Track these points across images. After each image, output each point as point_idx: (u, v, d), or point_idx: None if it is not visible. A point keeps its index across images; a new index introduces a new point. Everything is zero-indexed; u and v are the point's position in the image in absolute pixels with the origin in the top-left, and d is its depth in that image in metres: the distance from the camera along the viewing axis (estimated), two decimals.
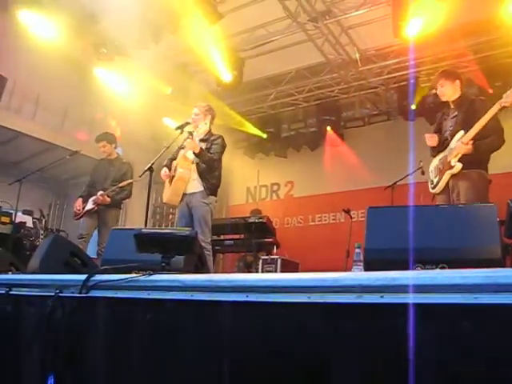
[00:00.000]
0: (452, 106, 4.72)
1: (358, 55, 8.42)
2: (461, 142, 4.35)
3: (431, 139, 4.74)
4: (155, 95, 9.09)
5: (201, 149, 5.18)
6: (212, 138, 5.41)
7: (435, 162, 4.77)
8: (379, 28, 7.36)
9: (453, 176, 4.46)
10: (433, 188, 4.71)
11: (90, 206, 6.47)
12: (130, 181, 6.49)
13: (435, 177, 4.69)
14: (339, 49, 8.20)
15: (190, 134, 5.26)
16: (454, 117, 4.65)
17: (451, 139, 4.55)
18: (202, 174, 5.24)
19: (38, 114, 9.12)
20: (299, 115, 10.61)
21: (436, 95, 8.93)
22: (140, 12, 6.95)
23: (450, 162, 4.46)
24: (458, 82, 4.68)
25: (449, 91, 4.70)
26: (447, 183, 4.54)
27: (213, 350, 2.03)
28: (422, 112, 8.93)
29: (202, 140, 5.39)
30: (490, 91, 7.35)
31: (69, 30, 7.19)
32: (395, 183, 6.59)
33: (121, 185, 6.42)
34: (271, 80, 9.58)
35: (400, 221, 2.40)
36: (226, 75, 8.31)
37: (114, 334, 2.33)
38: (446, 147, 4.62)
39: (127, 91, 8.75)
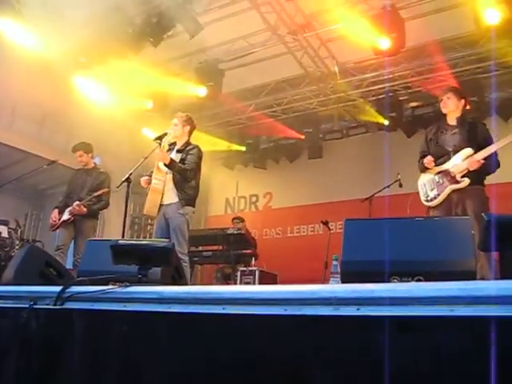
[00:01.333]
0: (453, 123, 4.86)
1: (336, 68, 8.49)
2: (474, 159, 4.49)
3: (430, 163, 4.81)
4: (134, 105, 9.05)
5: (171, 159, 5.13)
6: (188, 148, 5.37)
7: (428, 176, 4.84)
8: (358, 41, 7.44)
9: (456, 191, 4.58)
10: (428, 201, 4.77)
11: (66, 216, 6.39)
12: (105, 189, 6.41)
13: (431, 190, 4.76)
14: (318, 61, 8.27)
15: (159, 144, 5.20)
16: (454, 133, 4.79)
17: (453, 155, 4.66)
18: (177, 185, 5.20)
19: (14, 122, 9.01)
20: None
21: (414, 108, 9.17)
22: (120, 22, 6.94)
23: (454, 176, 4.58)
24: (462, 101, 4.90)
25: (452, 106, 4.86)
26: (447, 197, 4.63)
27: (189, 362, 2.01)
28: (400, 125, 9.06)
29: (178, 151, 5.37)
30: (468, 107, 7.46)
31: (47, 38, 7.14)
32: (373, 195, 6.64)
33: (96, 194, 6.36)
34: (250, 91, 9.61)
35: (377, 233, 2.42)
36: (202, 89, 8.39)
37: (90, 347, 2.30)
38: (445, 161, 4.72)
39: (106, 101, 8.70)
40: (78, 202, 6.32)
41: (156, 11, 6.97)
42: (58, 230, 6.47)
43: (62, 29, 7.10)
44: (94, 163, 6.89)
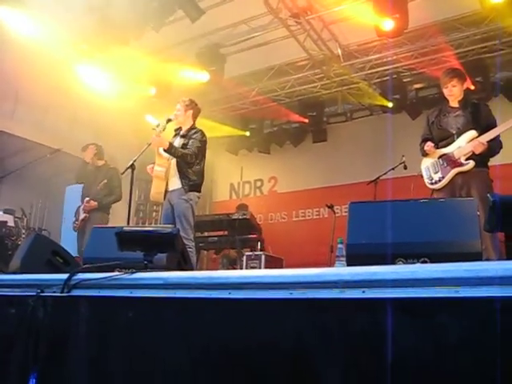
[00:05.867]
0: (456, 105, 4.82)
1: (339, 51, 8.44)
2: (478, 142, 4.46)
3: (431, 149, 4.78)
4: (137, 92, 9.02)
5: (169, 144, 5.11)
6: (190, 133, 5.35)
7: (432, 159, 4.81)
8: (361, 23, 7.37)
9: (461, 173, 4.57)
10: (433, 184, 4.76)
11: (81, 215, 6.73)
12: (105, 181, 6.64)
13: (435, 173, 4.74)
14: (321, 44, 8.20)
15: (154, 129, 5.21)
16: (457, 115, 4.76)
17: (457, 137, 4.63)
18: (180, 171, 5.20)
19: (17, 111, 9.00)
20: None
21: (418, 90, 9.11)
22: (121, 8, 6.89)
23: (459, 159, 4.55)
24: (465, 84, 4.89)
25: (458, 92, 4.84)
26: (452, 180, 4.61)
27: (196, 347, 2.02)
28: (404, 107, 9.00)
29: (182, 136, 5.36)
30: (472, 87, 7.41)
31: (48, 26, 7.11)
32: (378, 178, 6.62)
33: (99, 187, 6.62)
34: (253, 76, 9.56)
35: (382, 216, 2.41)
36: (204, 74, 8.38)
37: (97, 333, 2.31)
38: (448, 144, 4.69)
39: (109, 88, 8.67)
40: (87, 199, 6.67)
41: None
42: (78, 236, 6.77)
43: (62, 16, 7.07)
44: (105, 160, 7.02)
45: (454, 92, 4.83)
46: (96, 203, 6.63)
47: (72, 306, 2.38)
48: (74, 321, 2.36)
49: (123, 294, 2.25)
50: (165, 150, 5.13)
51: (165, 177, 5.22)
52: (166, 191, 5.25)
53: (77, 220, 6.87)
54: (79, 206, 6.87)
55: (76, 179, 7.44)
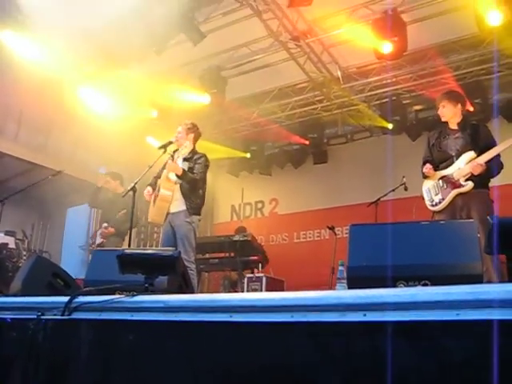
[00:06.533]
0: (455, 127, 4.84)
1: (339, 73, 8.51)
2: (477, 163, 4.47)
3: (430, 171, 4.81)
4: (139, 114, 9.08)
5: (183, 170, 5.18)
6: (195, 157, 5.41)
7: (432, 181, 4.83)
8: (360, 46, 7.45)
9: (461, 194, 4.57)
10: (433, 206, 4.77)
11: (99, 240, 6.91)
12: (124, 210, 6.60)
13: (436, 195, 4.76)
14: (321, 67, 8.28)
15: (172, 156, 5.27)
16: (457, 137, 4.78)
17: (457, 159, 4.66)
18: (185, 194, 5.24)
19: (20, 133, 9.05)
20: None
21: (418, 111, 9.16)
22: (124, 32, 6.97)
23: (458, 180, 4.57)
24: (459, 105, 4.87)
25: (449, 113, 4.86)
26: (452, 201, 4.62)
27: (198, 370, 2.01)
28: (404, 128, 9.05)
29: (185, 159, 5.39)
30: (471, 108, 7.46)
31: (51, 49, 7.19)
32: (379, 199, 6.63)
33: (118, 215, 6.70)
34: (254, 98, 9.62)
35: (382, 238, 2.42)
36: (206, 96, 8.46)
37: (98, 357, 2.30)
38: (448, 166, 4.72)
39: (111, 110, 8.73)
40: (105, 225, 6.81)
41: (159, 20, 6.99)
42: None
43: (65, 39, 7.15)
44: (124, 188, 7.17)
45: (443, 113, 4.88)
46: (113, 230, 6.74)
47: (72, 329, 2.37)
48: (74, 344, 2.36)
49: (124, 318, 2.25)
50: (177, 176, 5.18)
51: (171, 199, 5.26)
52: (168, 213, 5.27)
53: (93, 243, 7.03)
54: (96, 230, 6.96)
55: (90, 204, 7.56)
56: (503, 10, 6.08)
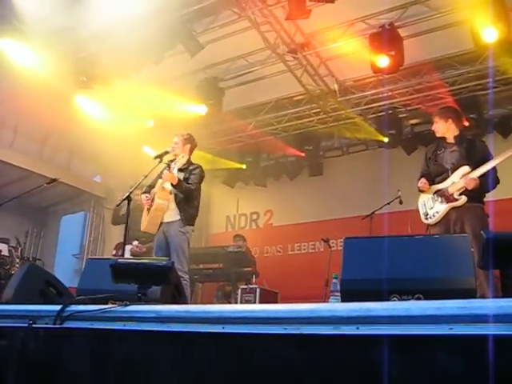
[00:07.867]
0: (451, 141, 4.89)
1: (336, 86, 8.54)
2: (470, 178, 4.52)
3: (424, 185, 4.84)
4: (136, 124, 9.08)
5: (179, 180, 5.18)
6: (191, 168, 5.42)
7: (427, 194, 4.86)
8: (357, 60, 7.49)
9: (455, 208, 4.60)
10: (427, 219, 4.80)
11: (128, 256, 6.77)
12: None
13: (430, 209, 4.79)
14: (318, 80, 8.31)
15: (168, 165, 5.27)
16: (453, 151, 4.83)
17: (452, 173, 4.69)
18: (179, 204, 5.25)
19: (16, 141, 9.04)
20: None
21: (413, 126, 9.21)
22: (122, 42, 6.99)
23: (452, 194, 4.60)
24: (450, 120, 4.92)
25: (442, 129, 4.95)
26: (446, 215, 4.64)
27: (189, 381, 2.00)
28: (400, 142, 9.08)
29: (180, 170, 5.39)
30: (466, 124, 7.50)
31: (49, 57, 7.20)
32: (373, 212, 6.64)
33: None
34: (250, 110, 9.65)
35: (376, 251, 2.42)
36: (202, 107, 8.45)
37: (89, 366, 2.28)
38: (443, 179, 4.75)
39: (107, 119, 8.74)
40: (137, 243, 6.66)
41: (157, 30, 7.02)
42: None
43: (63, 48, 7.17)
44: None
45: (436, 128, 4.99)
46: (145, 249, 6.62)
47: (64, 338, 2.36)
48: (66, 353, 2.34)
49: (116, 327, 2.23)
50: (173, 185, 5.18)
51: (165, 209, 5.26)
52: (161, 223, 5.27)
53: (116, 255, 6.88)
54: (125, 245, 6.82)
55: (113, 222, 7.47)
56: (499, 26, 6.13)
